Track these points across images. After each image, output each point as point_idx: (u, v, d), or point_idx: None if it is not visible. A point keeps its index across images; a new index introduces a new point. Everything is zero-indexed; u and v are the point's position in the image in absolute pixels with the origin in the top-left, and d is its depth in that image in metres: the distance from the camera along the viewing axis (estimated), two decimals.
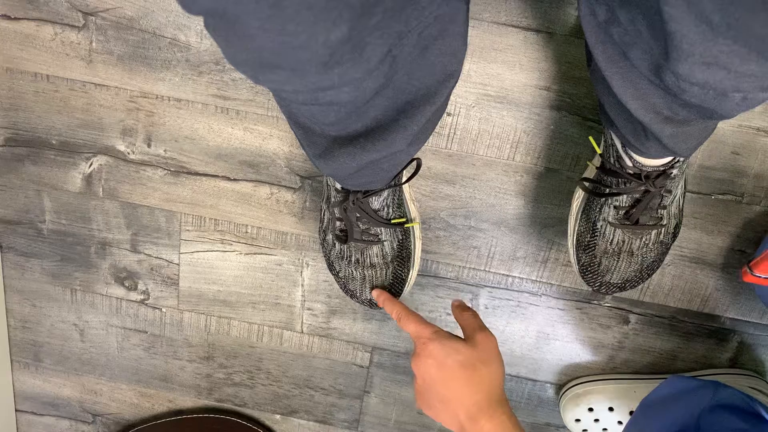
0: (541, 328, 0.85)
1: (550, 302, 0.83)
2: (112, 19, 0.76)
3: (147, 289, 0.90)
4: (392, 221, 0.68)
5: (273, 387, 0.94)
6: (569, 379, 0.87)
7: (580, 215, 0.68)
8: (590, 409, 0.84)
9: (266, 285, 0.87)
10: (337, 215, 0.68)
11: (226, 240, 0.85)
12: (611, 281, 0.68)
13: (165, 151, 0.81)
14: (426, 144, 0.75)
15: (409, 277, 0.72)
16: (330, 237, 0.71)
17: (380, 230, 0.68)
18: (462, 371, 0.58)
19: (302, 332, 0.90)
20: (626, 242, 0.65)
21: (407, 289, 0.73)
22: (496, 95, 0.73)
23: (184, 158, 0.81)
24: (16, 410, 1.02)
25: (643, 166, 0.61)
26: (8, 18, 0.77)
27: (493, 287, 0.83)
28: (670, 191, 0.63)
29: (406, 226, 0.70)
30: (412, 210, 0.72)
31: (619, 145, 0.62)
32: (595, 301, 0.82)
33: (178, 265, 0.88)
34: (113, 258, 0.89)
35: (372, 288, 0.71)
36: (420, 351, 0.61)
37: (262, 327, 0.90)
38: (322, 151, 0.54)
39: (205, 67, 0.76)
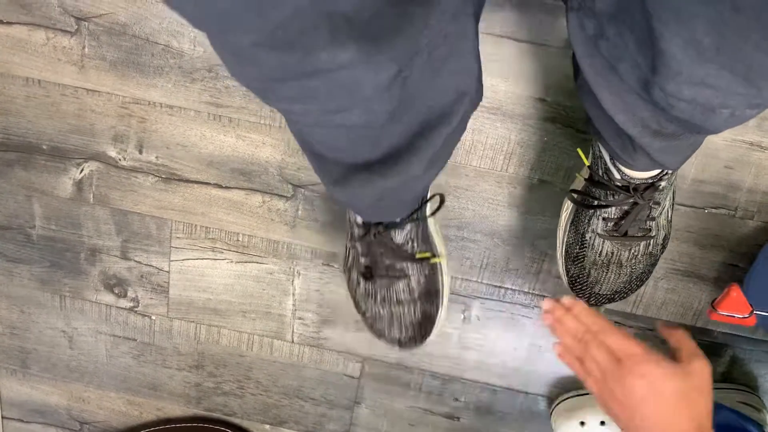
0: (533, 340, 0.84)
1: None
2: (105, 24, 0.75)
3: (137, 296, 0.89)
4: (417, 256, 0.66)
5: (263, 397, 0.93)
6: (561, 392, 0.86)
7: (568, 227, 0.68)
8: (582, 423, 0.83)
9: (257, 294, 0.87)
10: (361, 251, 0.66)
11: (217, 248, 0.85)
12: (600, 292, 0.67)
13: (157, 157, 0.81)
14: None
15: (439, 315, 0.69)
16: (355, 275, 0.69)
17: (406, 265, 0.65)
18: (678, 400, 0.54)
19: (293, 342, 0.89)
20: (615, 254, 0.65)
21: (436, 329, 0.69)
22: (491, 106, 0.73)
23: (176, 165, 0.81)
24: (2, 417, 1.01)
25: (631, 178, 0.61)
26: (0, 22, 0.76)
27: (486, 298, 0.83)
28: (658, 203, 0.63)
29: (431, 261, 0.67)
30: (439, 245, 0.69)
31: (607, 158, 0.62)
32: None
33: (168, 272, 0.87)
34: (103, 265, 0.88)
35: (400, 327, 0.67)
36: (629, 368, 0.55)
37: (252, 336, 0.89)
38: (336, 179, 0.52)
39: (198, 74, 0.76)
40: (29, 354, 0.96)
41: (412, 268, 0.66)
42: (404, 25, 0.37)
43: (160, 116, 0.78)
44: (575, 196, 0.66)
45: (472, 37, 0.47)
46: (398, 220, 0.64)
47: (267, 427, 0.96)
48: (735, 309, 0.61)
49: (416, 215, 0.65)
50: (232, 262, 0.85)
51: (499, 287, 0.82)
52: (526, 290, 0.82)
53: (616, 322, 0.82)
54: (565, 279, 0.69)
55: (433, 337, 0.68)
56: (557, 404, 0.85)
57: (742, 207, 0.74)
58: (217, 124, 0.78)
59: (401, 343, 0.69)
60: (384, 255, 0.65)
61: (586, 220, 0.65)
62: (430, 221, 0.68)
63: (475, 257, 0.80)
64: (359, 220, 0.65)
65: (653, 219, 0.64)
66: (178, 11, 0.32)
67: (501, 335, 0.84)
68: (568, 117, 0.73)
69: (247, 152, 0.79)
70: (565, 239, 0.68)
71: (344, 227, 0.81)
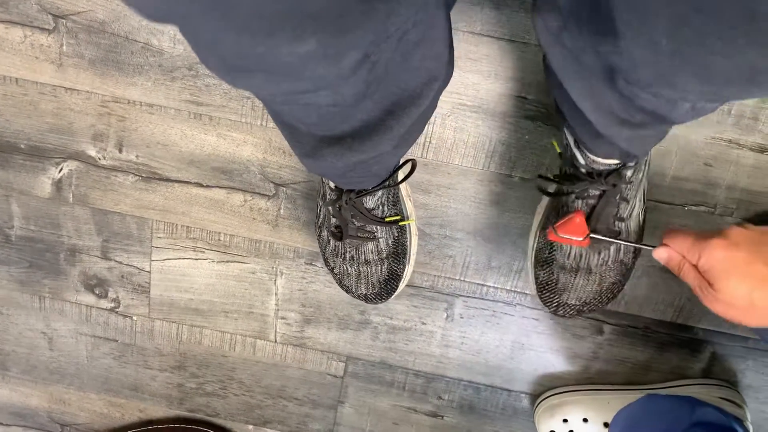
0: (515, 338, 0.84)
1: (524, 312, 0.83)
2: (84, 22, 0.74)
3: (117, 296, 0.88)
4: (387, 219, 0.68)
5: (245, 397, 0.93)
6: (544, 389, 0.87)
7: (539, 231, 0.69)
8: (565, 420, 0.83)
9: (239, 293, 0.86)
10: (332, 212, 0.68)
11: (198, 248, 0.84)
12: (569, 302, 0.67)
13: (137, 156, 0.80)
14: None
15: (405, 273, 0.72)
16: (325, 233, 0.71)
17: (375, 227, 0.68)
18: (747, 254, 0.53)
19: (276, 341, 0.89)
20: (584, 257, 0.65)
21: (402, 285, 0.72)
22: (472, 105, 0.73)
23: (156, 164, 0.80)
24: None
25: (594, 162, 0.61)
26: None
27: (468, 296, 0.83)
28: (626, 199, 0.63)
29: (401, 224, 0.70)
30: (409, 207, 0.72)
31: (572, 142, 0.63)
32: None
33: (149, 272, 0.86)
34: (83, 265, 0.87)
35: (367, 284, 0.70)
36: (716, 243, 0.55)
37: (234, 336, 0.89)
38: (308, 150, 0.53)
39: (178, 72, 0.75)
40: (8, 356, 0.95)
41: (381, 231, 0.68)
42: (369, 19, 0.37)
43: (140, 115, 0.78)
44: (543, 185, 0.68)
45: (443, 24, 0.47)
46: (370, 187, 0.66)
47: (250, 427, 0.95)
48: (573, 232, 0.63)
49: (388, 182, 0.66)
50: (213, 261, 0.84)
51: (482, 285, 0.82)
52: (508, 288, 0.82)
53: (597, 320, 0.82)
54: (533, 287, 0.69)
55: (398, 293, 0.72)
56: (540, 401, 0.85)
57: (721, 204, 0.75)
58: (198, 122, 0.77)
59: (367, 299, 0.72)
60: (354, 218, 0.67)
61: (555, 222, 0.65)
62: (402, 186, 0.70)
63: (457, 255, 0.80)
64: (332, 184, 0.66)
65: (622, 220, 0.64)
66: (135, 8, 0.32)
67: (484, 333, 0.85)
68: (549, 115, 0.73)
69: (228, 151, 0.78)
70: (536, 244, 0.68)
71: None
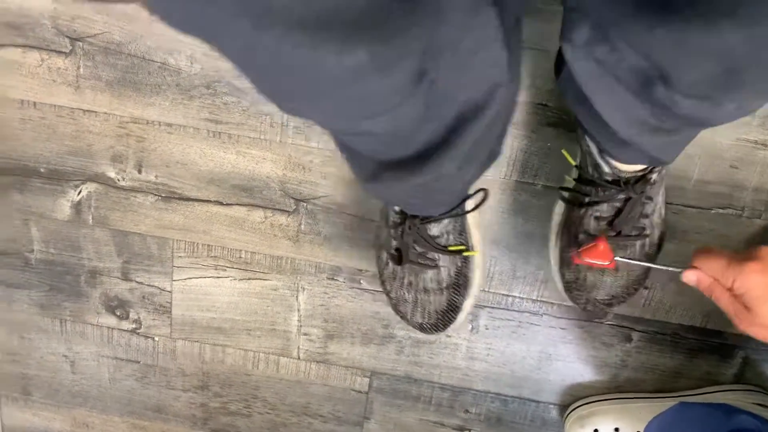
0: (543, 348, 0.83)
1: (551, 322, 0.82)
2: (100, 44, 0.74)
3: (139, 317, 0.88)
4: (450, 248, 0.64)
5: (270, 415, 0.92)
6: (573, 399, 0.85)
7: (560, 231, 0.66)
8: (596, 431, 0.82)
9: (261, 311, 0.85)
10: (393, 234, 0.65)
11: (219, 266, 0.83)
12: (598, 297, 0.65)
13: (156, 176, 0.80)
14: None
15: (465, 305, 0.68)
16: (384, 255, 0.67)
17: (437, 255, 0.64)
18: None
19: (299, 358, 0.88)
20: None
21: (461, 318, 0.68)
22: None
23: (176, 183, 0.80)
24: None
25: (621, 171, 0.60)
26: None
27: (493, 307, 0.82)
28: (651, 198, 0.62)
29: (465, 254, 0.66)
30: (475, 237, 0.68)
31: (595, 152, 0.61)
32: (597, 319, 0.81)
33: (170, 292, 0.86)
34: (104, 287, 0.86)
35: (423, 313, 0.66)
36: (752, 267, 0.54)
37: (257, 354, 0.88)
38: (368, 174, 0.51)
39: (196, 91, 0.75)
40: (31, 380, 0.94)
41: (443, 259, 0.65)
42: (415, 24, 0.35)
43: (159, 135, 0.77)
44: (566, 194, 0.65)
45: (496, 25, 0.44)
46: (436, 214, 0.63)
47: None
48: (598, 257, 0.61)
49: (456, 211, 0.63)
50: (235, 279, 0.84)
51: (507, 296, 0.81)
52: (534, 298, 0.81)
53: (624, 327, 0.81)
54: (560, 286, 0.68)
55: (456, 325, 0.68)
56: (569, 412, 0.84)
57: (749, 206, 0.74)
58: (217, 140, 0.77)
59: (422, 328, 0.68)
60: (416, 243, 0.63)
61: (578, 222, 0.63)
62: (470, 216, 0.66)
63: None
64: (396, 207, 0.63)
65: (646, 216, 0.62)
66: (162, 16, 0.30)
67: (510, 344, 0.83)
68: (572, 121, 0.72)
69: (248, 168, 0.78)
70: (559, 243, 0.67)
71: (348, 241, 0.80)
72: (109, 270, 0.85)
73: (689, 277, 0.59)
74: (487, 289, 0.81)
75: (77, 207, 0.82)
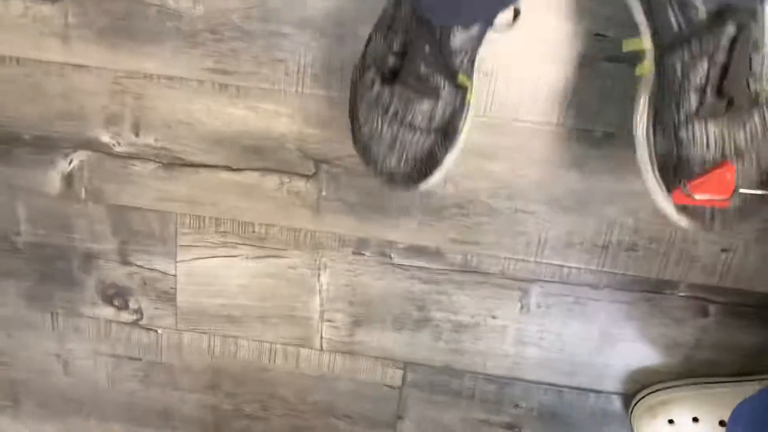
0: (604, 328, 0.72)
1: (613, 295, 0.71)
2: None
3: (140, 307, 0.77)
4: (460, 78, 0.53)
5: (290, 417, 0.81)
6: (640, 387, 0.74)
7: (652, 134, 0.51)
8: (670, 422, 0.70)
9: (278, 294, 0.75)
10: (395, 43, 0.52)
11: (229, 243, 0.73)
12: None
13: (155, 140, 0.70)
14: None
15: (445, 160, 0.56)
16: (371, 74, 0.55)
17: (443, 83, 0.53)
18: None
19: (322, 349, 0.77)
20: (728, 139, 0.48)
21: (437, 175, 0.57)
22: (539, 48, 0.63)
23: (178, 147, 0.70)
24: None
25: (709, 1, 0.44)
26: None
27: (546, 281, 0.71)
28: (757, 46, 0.46)
29: (467, 95, 0.55)
30: (475, 78, 0.56)
31: None
32: (668, 291, 0.70)
33: (174, 276, 0.75)
34: (99, 272, 0.76)
35: (400, 158, 0.54)
36: None
37: (274, 346, 0.77)
38: None
39: (199, 37, 0.66)
40: (20, 386, 0.84)
41: (447, 91, 0.53)
42: None
43: (158, 90, 0.68)
44: (646, 62, 0.50)
45: None
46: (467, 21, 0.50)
47: None
48: (716, 191, 0.47)
49: (490, 20, 0.51)
50: (247, 258, 0.74)
51: (561, 266, 0.70)
52: (593, 268, 0.70)
53: (699, 299, 0.70)
54: (662, 192, 0.52)
55: (432, 181, 0.56)
56: (637, 401, 0.73)
57: None
58: (224, 94, 0.67)
59: (392, 178, 0.56)
60: (425, 58, 0.51)
61: (674, 107, 0.49)
62: (488, 42, 0.54)
63: (531, 232, 0.69)
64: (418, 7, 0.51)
65: (755, 78, 0.47)
66: None
67: (566, 324, 0.72)
68: (633, 56, 0.62)
69: (260, 126, 0.68)
70: (655, 150, 0.51)
71: (376, 208, 0.70)
72: (105, 252, 0.75)
73: None
74: (538, 260, 0.70)
75: (68, 179, 0.72)
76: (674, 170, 0.50)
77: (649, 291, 0.70)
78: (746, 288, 0.69)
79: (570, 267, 0.70)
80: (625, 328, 0.72)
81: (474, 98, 0.58)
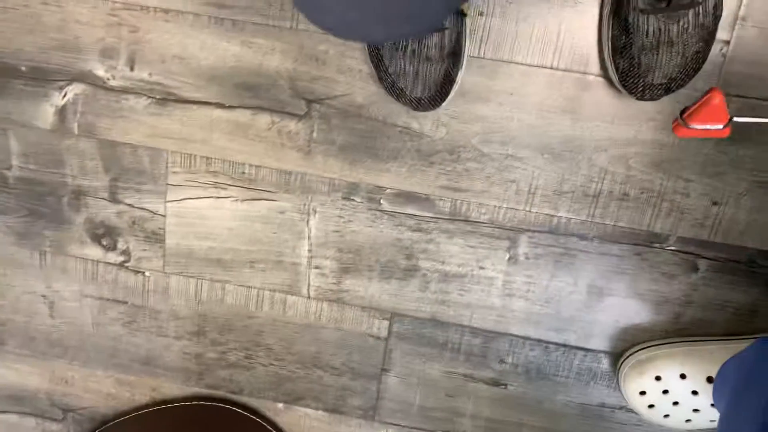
0: (592, 281, 0.71)
1: (603, 247, 0.70)
2: None
3: (128, 248, 0.77)
4: (462, 7, 0.61)
5: (274, 367, 0.80)
6: (628, 345, 0.73)
7: (611, 18, 0.61)
8: (657, 378, 0.69)
9: (267, 239, 0.74)
10: None
11: (219, 183, 0.73)
12: (654, 81, 0.60)
13: (150, 74, 0.70)
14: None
15: (458, 77, 0.64)
16: None
17: (450, 15, 0.60)
18: None
19: (309, 297, 0.76)
20: (663, 31, 0.58)
21: (454, 90, 0.64)
22: None
23: (172, 82, 0.70)
24: None
25: None
26: None
27: (535, 231, 0.70)
28: None
29: (465, 17, 0.63)
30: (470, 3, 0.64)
31: None
32: (657, 244, 0.69)
33: (164, 216, 0.75)
34: (89, 210, 0.76)
35: (424, 86, 0.63)
36: None
37: (261, 292, 0.77)
38: None
39: None
40: (4, 326, 0.83)
41: (454, 20, 0.61)
42: None
43: (154, 23, 0.68)
44: None
45: None
46: None
47: (280, 405, 0.82)
48: (712, 119, 0.50)
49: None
50: (237, 200, 0.73)
51: (552, 216, 0.70)
52: (583, 218, 0.69)
53: (689, 253, 0.69)
54: (615, 77, 0.62)
55: (450, 98, 0.64)
56: (625, 358, 0.72)
57: None
58: (220, 28, 0.67)
59: (420, 103, 0.64)
60: None
61: (626, 2, 0.59)
62: None
63: (521, 179, 0.69)
64: None
65: None
66: None
67: (554, 276, 0.72)
68: None
69: (254, 62, 0.68)
70: (610, 32, 0.61)
71: (368, 151, 0.69)
72: (95, 189, 0.75)
73: None
74: (528, 209, 0.69)
75: (61, 113, 0.73)
76: (621, 51, 0.61)
77: (639, 244, 0.69)
78: (737, 243, 0.68)
79: (560, 216, 0.69)
80: (614, 283, 0.71)
81: (470, 18, 0.64)
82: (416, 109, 0.65)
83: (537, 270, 0.72)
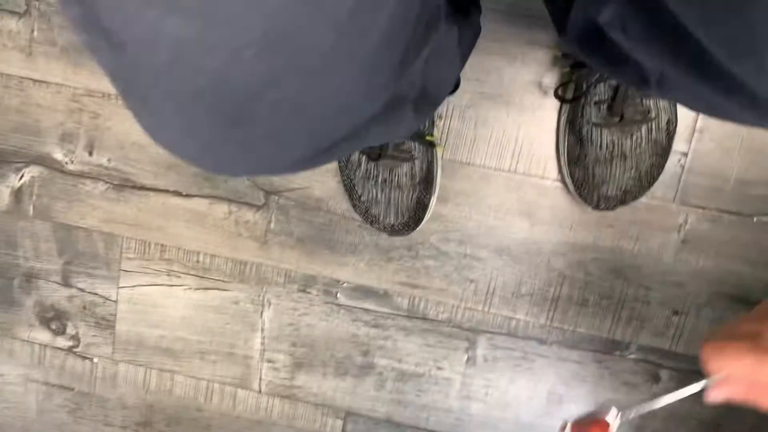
0: (552, 388, 0.69)
1: (562, 352, 0.68)
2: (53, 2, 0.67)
3: (77, 333, 0.75)
4: (427, 138, 0.62)
5: None
6: None
7: (566, 130, 0.62)
8: None
9: (219, 329, 0.72)
10: None
11: (173, 271, 0.71)
12: (608, 193, 0.60)
13: (108, 160, 0.69)
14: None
15: (431, 203, 0.64)
16: (356, 155, 0.64)
17: (414, 146, 0.62)
18: None
19: (260, 392, 0.74)
20: (616, 144, 0.59)
21: (427, 216, 0.65)
22: (494, 93, 0.63)
23: (130, 169, 0.69)
24: None
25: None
26: None
27: (494, 332, 0.68)
28: None
29: (436, 148, 0.64)
30: (437, 133, 0.65)
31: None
32: (618, 352, 0.67)
33: (115, 302, 0.73)
34: (40, 293, 0.74)
35: (396, 212, 0.64)
36: None
37: (211, 384, 0.74)
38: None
39: None
40: None
41: (419, 151, 0.62)
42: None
43: (116, 110, 0.68)
44: (559, 91, 0.61)
45: None
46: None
47: None
48: None
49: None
50: (190, 288, 0.72)
51: (510, 318, 0.68)
52: (542, 322, 0.67)
53: (651, 363, 0.67)
54: (571, 186, 0.62)
55: (423, 225, 0.65)
56: None
57: None
58: None
59: (393, 229, 0.65)
60: None
61: (580, 115, 0.60)
62: (444, 102, 0.65)
63: (480, 279, 0.67)
64: None
65: (649, 97, 0.58)
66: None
67: (513, 381, 0.69)
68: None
69: None
70: (566, 143, 0.62)
71: (325, 243, 0.68)
72: (48, 272, 0.73)
73: (717, 395, 0.43)
74: (486, 309, 0.68)
75: (17, 194, 0.72)
76: (576, 161, 0.61)
77: (599, 351, 0.67)
78: (698, 354, 0.66)
79: (518, 319, 0.68)
80: (574, 389, 0.69)
81: (441, 149, 0.65)
82: (391, 234, 0.65)
83: (496, 373, 0.69)
